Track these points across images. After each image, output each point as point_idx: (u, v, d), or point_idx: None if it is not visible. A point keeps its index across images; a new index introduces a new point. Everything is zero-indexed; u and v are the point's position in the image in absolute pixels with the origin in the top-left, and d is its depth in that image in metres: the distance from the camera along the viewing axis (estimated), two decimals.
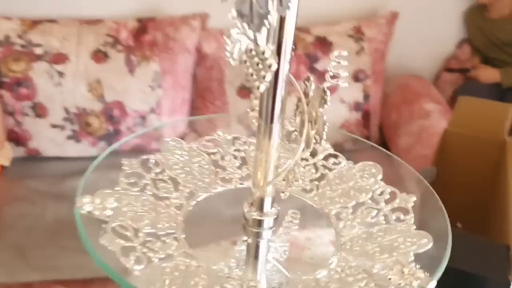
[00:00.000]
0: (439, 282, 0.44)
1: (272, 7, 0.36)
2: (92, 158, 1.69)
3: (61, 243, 1.54)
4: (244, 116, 0.56)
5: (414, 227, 0.49)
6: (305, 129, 0.42)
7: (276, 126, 0.43)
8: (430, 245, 0.45)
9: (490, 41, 2.31)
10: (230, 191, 0.55)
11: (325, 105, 0.41)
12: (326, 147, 0.53)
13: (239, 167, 0.58)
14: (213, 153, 0.58)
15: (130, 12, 1.93)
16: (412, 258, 0.44)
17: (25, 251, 1.50)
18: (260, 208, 0.46)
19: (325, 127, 0.41)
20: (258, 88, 0.39)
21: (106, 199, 0.45)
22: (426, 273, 0.42)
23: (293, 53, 0.41)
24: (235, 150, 0.59)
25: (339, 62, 0.41)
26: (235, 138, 0.60)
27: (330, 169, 0.57)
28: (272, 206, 0.47)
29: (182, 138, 1.84)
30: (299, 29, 2.05)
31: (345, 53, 0.41)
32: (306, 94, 0.43)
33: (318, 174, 0.57)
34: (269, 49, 0.38)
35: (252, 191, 0.47)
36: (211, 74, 1.93)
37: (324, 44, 1.97)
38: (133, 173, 0.52)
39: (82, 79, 1.76)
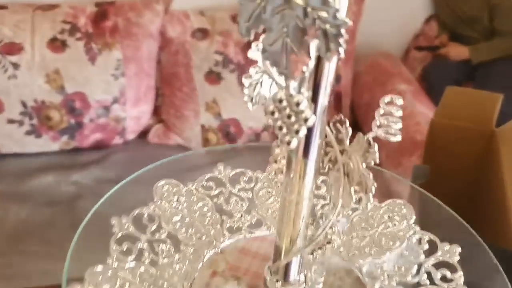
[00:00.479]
0: None
1: (313, 51, 0.27)
2: (54, 153, 1.58)
3: (26, 248, 1.44)
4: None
5: None
6: (341, 185, 0.35)
7: (311, 161, 0.35)
8: None
9: (458, 17, 2.28)
10: (240, 245, 0.47)
11: (371, 162, 0.33)
12: None
13: (247, 211, 0.49)
14: (216, 195, 0.49)
15: None
16: None
17: None
18: (285, 275, 0.38)
19: (373, 188, 0.33)
20: (288, 143, 0.31)
21: (100, 285, 0.36)
22: None
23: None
24: (240, 189, 0.51)
25: (391, 112, 0.33)
26: (238, 173, 0.51)
27: (352, 209, 0.49)
28: (299, 272, 0.39)
29: (147, 131, 1.75)
30: None
31: (400, 101, 0.33)
32: (339, 141, 0.35)
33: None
34: (305, 100, 0.30)
35: (274, 251, 0.38)
36: (177, 59, 1.82)
37: None
38: (125, 236, 0.43)
39: (39, 70, 1.63)
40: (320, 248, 0.38)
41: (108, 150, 1.77)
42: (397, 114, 0.33)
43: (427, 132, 1.17)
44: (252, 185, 0.51)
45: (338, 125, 0.36)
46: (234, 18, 1.85)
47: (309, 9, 0.26)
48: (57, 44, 1.64)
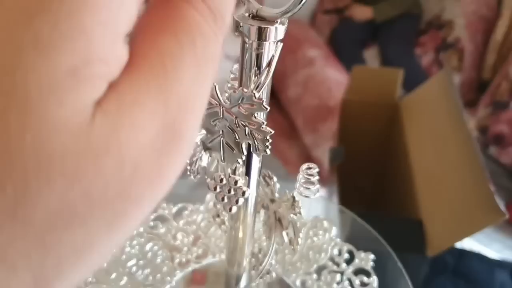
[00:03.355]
0: None
1: (244, 149, 0.34)
2: None
3: None
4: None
5: None
6: (273, 228, 0.42)
7: (250, 213, 0.42)
8: None
9: None
10: (189, 276, 0.53)
11: (298, 215, 0.40)
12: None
13: (194, 243, 0.55)
14: (164, 233, 0.55)
15: None
16: None
17: None
18: None
19: (300, 234, 0.41)
20: (230, 210, 0.37)
21: None
22: None
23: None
24: (184, 223, 0.56)
25: (308, 178, 0.40)
26: (180, 208, 0.57)
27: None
28: None
29: None
30: None
31: (316, 169, 0.40)
32: (270, 191, 0.42)
33: None
34: (241, 179, 0.36)
35: (227, 278, 0.45)
36: None
37: None
38: None
39: None
40: (261, 277, 0.46)
41: None
42: (314, 179, 0.40)
43: (339, 110, 1.26)
44: (195, 217, 0.57)
45: (267, 178, 0.42)
46: None
47: (238, 120, 0.33)
48: None
